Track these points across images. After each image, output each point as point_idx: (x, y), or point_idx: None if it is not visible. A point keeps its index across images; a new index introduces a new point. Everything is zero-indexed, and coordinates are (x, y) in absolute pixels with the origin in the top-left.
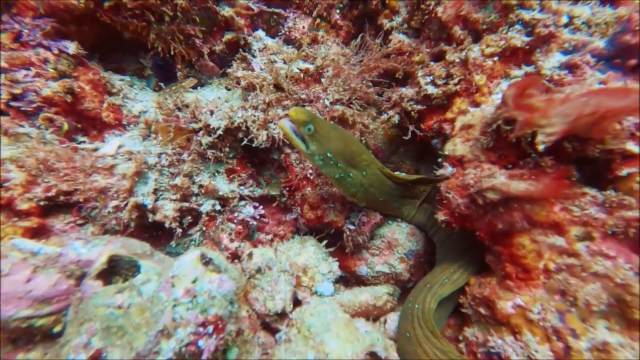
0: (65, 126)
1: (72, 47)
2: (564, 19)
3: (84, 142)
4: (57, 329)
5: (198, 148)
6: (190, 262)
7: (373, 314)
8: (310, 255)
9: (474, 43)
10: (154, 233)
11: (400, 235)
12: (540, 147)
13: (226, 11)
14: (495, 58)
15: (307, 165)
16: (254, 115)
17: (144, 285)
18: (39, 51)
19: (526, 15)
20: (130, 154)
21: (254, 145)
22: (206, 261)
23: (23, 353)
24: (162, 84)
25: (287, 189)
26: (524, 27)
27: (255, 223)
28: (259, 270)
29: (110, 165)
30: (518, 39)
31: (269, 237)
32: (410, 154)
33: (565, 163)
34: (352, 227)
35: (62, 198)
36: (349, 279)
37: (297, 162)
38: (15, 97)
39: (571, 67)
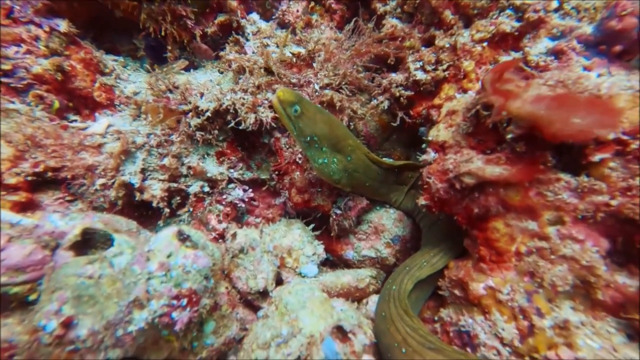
0: (56, 104)
1: (63, 25)
2: (554, 4)
3: (75, 120)
4: (32, 297)
5: (187, 129)
6: (166, 237)
7: (355, 296)
8: (295, 238)
9: (465, 28)
10: (144, 212)
11: (387, 221)
12: (508, 136)
13: None
14: (484, 44)
15: (296, 150)
16: (243, 98)
17: (115, 257)
18: (30, 28)
19: (517, 0)
20: (118, 134)
21: (241, 127)
22: (183, 238)
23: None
24: (155, 65)
25: (276, 172)
26: (514, 12)
27: (244, 206)
28: (242, 250)
29: (98, 143)
30: (507, 24)
31: (258, 220)
32: (402, 141)
33: (542, 149)
34: (338, 211)
35: (49, 174)
36: (336, 263)
37: (287, 146)
38: (5, 73)
39: (557, 53)
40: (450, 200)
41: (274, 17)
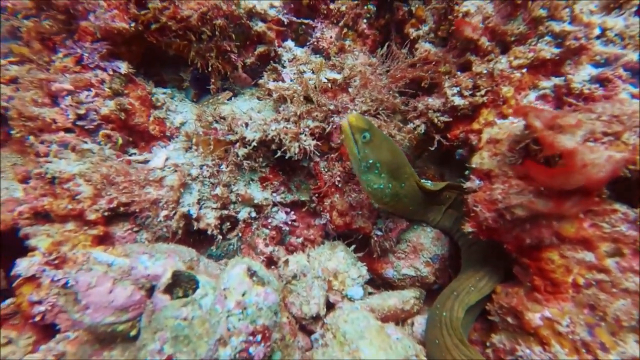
0: (120, 141)
1: (123, 67)
2: (596, 31)
3: (134, 153)
4: (133, 332)
5: (235, 159)
6: (238, 275)
7: (401, 317)
8: (340, 261)
9: (502, 54)
10: (197, 237)
11: (425, 240)
12: None
13: (259, 27)
14: (524, 70)
15: (335, 173)
16: (286, 127)
17: (202, 299)
18: (97, 73)
19: (556, 27)
20: (175, 167)
21: (287, 157)
22: (251, 273)
23: (107, 352)
24: (199, 95)
25: (316, 195)
26: (553, 38)
27: (287, 228)
28: (294, 277)
29: (160, 177)
30: (547, 50)
31: (300, 240)
32: (433, 159)
33: None
34: (379, 233)
35: (122, 209)
36: (376, 281)
37: (326, 170)
38: (79, 117)
39: (602, 81)
40: (499, 229)
41: (308, 43)
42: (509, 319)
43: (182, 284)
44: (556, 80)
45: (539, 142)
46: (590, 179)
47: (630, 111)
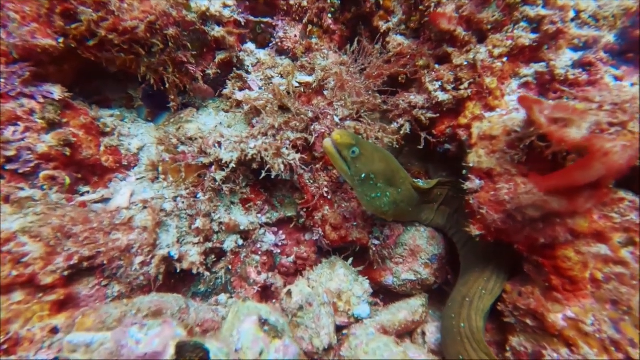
0: (68, 180)
1: (56, 91)
2: (571, 14)
3: (87, 192)
4: None
5: (212, 184)
6: (249, 331)
7: (411, 329)
8: (342, 279)
9: (479, 43)
10: (178, 276)
11: (421, 241)
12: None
13: (216, 31)
14: (504, 59)
15: (321, 184)
16: (265, 143)
17: None
18: (22, 102)
19: (531, 12)
20: (144, 203)
21: (273, 176)
22: (263, 322)
23: None
24: (154, 114)
25: (305, 209)
26: (529, 24)
27: (278, 251)
28: (300, 308)
29: (128, 218)
30: (525, 37)
31: (291, 259)
32: (416, 154)
33: None
34: (377, 242)
35: (85, 264)
36: (374, 289)
37: (312, 181)
38: (8, 160)
39: (585, 65)
40: (508, 230)
41: (271, 44)
42: (528, 321)
43: (187, 354)
44: (537, 67)
45: (546, 139)
46: (611, 167)
47: (629, 97)
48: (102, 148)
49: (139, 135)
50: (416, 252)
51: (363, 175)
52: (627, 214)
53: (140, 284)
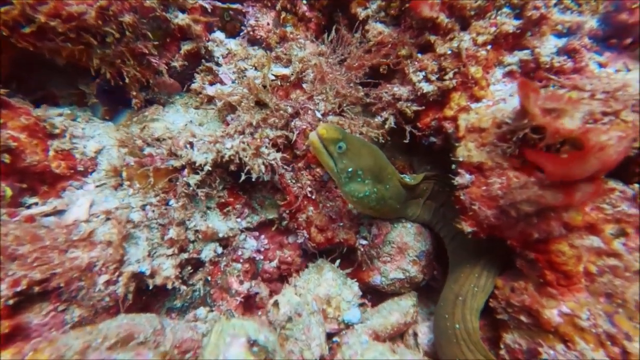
0: (9, 192)
1: None
2: None
3: (35, 204)
4: None
5: (186, 190)
6: (238, 356)
7: (403, 331)
8: (330, 284)
9: (462, 31)
10: (149, 292)
11: (408, 238)
12: (564, 157)
13: (180, 19)
14: (489, 47)
15: (304, 184)
16: (243, 143)
17: None
18: None
19: None
20: (107, 214)
21: (253, 179)
22: (251, 344)
23: None
24: (112, 112)
25: (288, 211)
26: (512, 9)
27: (261, 257)
28: (289, 320)
29: (88, 232)
30: (509, 23)
31: (274, 264)
32: (399, 147)
33: None
34: (364, 242)
35: (36, 289)
36: (362, 289)
37: (294, 181)
38: None
39: (570, 52)
40: (501, 226)
41: (242, 33)
42: (522, 318)
43: None
44: (521, 55)
45: (540, 130)
46: (605, 162)
47: (620, 85)
48: (52, 153)
49: (95, 137)
50: (404, 249)
51: (350, 171)
52: (617, 204)
53: (105, 306)
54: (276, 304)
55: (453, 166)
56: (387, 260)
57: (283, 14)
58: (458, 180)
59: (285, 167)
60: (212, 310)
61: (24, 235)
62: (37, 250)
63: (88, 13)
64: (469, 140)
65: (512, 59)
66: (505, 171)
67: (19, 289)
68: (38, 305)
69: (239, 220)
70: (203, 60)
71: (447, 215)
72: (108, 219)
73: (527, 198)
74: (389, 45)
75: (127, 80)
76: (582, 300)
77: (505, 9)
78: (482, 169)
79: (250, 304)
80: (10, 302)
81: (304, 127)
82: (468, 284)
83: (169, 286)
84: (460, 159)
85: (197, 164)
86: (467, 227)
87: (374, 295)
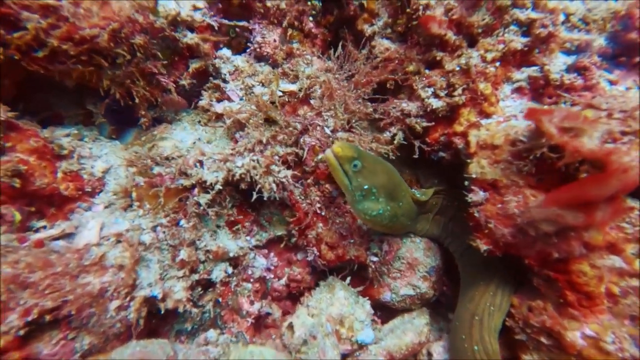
0: (18, 216)
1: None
2: (561, 17)
3: (43, 227)
4: None
5: (196, 209)
6: None
7: (417, 351)
8: (342, 303)
9: (469, 48)
10: (158, 315)
11: (418, 253)
12: (583, 176)
13: (190, 38)
14: (497, 63)
15: (313, 200)
16: (254, 160)
17: None
18: None
19: (521, 15)
20: (118, 237)
21: (265, 197)
22: None
23: None
24: (119, 131)
25: (297, 228)
26: (519, 27)
27: (271, 275)
28: (304, 343)
29: (100, 256)
30: (517, 41)
31: (283, 281)
32: (405, 161)
33: None
34: (375, 258)
35: (47, 317)
36: (372, 306)
37: (303, 197)
38: None
39: (580, 70)
40: (518, 245)
41: (248, 49)
42: (542, 339)
43: None
44: (530, 71)
45: (558, 149)
46: (627, 184)
47: (637, 104)
48: (60, 174)
49: (102, 156)
50: (414, 265)
51: (364, 189)
52: (637, 223)
53: (117, 332)
54: (291, 327)
55: (466, 182)
56: (397, 276)
57: (290, 31)
58: (472, 197)
59: (295, 184)
60: (222, 333)
61: (35, 262)
62: (48, 277)
63: (101, 36)
64: (482, 157)
65: (521, 75)
66: (522, 189)
67: (29, 318)
68: (48, 333)
69: (248, 238)
70: (210, 78)
71: (456, 230)
72: (119, 241)
73: (547, 217)
74: (396, 61)
75: (136, 100)
76: (606, 322)
77: (512, 27)
78: (497, 187)
79: (259, 324)
80: (21, 332)
81: (313, 143)
82: (484, 302)
83: (181, 310)
84: (474, 176)
85: (207, 183)
86: (482, 245)
87: (383, 311)
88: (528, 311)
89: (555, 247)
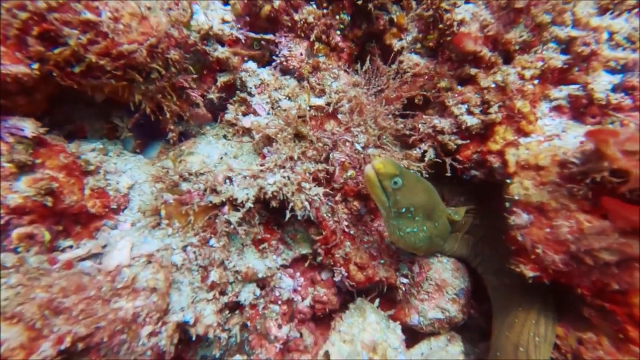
0: (47, 236)
1: (29, 126)
2: (605, 36)
3: (70, 247)
4: None
5: (226, 228)
6: None
7: None
8: (374, 328)
9: (504, 65)
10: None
11: (446, 274)
12: None
13: (220, 52)
14: (536, 81)
15: (340, 217)
16: (284, 177)
17: None
18: None
19: (561, 32)
20: (149, 257)
21: (299, 216)
22: None
23: None
24: (143, 145)
25: (323, 247)
26: (557, 44)
27: (299, 297)
28: None
29: (132, 279)
30: (557, 58)
31: (307, 302)
32: (430, 178)
33: None
34: (405, 280)
35: (80, 345)
36: None
37: (329, 215)
38: None
39: (627, 90)
40: (570, 273)
41: (273, 62)
42: None
43: None
44: (570, 90)
45: (621, 174)
46: None
47: None
48: (87, 191)
49: (127, 171)
50: (442, 286)
51: (403, 209)
52: None
53: (145, 358)
54: (327, 355)
55: (506, 204)
56: (424, 298)
57: (316, 44)
58: (514, 220)
59: (328, 202)
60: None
61: (69, 286)
62: (82, 302)
63: (139, 52)
64: (524, 178)
65: (560, 93)
66: (573, 214)
67: (63, 346)
68: None
69: (274, 257)
70: (237, 91)
71: (485, 250)
72: (149, 262)
73: (608, 246)
74: (426, 77)
75: (167, 115)
76: None
77: (551, 44)
78: (544, 210)
79: (285, 349)
80: None
81: (343, 159)
82: (526, 332)
83: (211, 335)
84: (516, 198)
85: (238, 201)
86: (528, 272)
87: (406, 334)
88: (578, 344)
89: (615, 278)
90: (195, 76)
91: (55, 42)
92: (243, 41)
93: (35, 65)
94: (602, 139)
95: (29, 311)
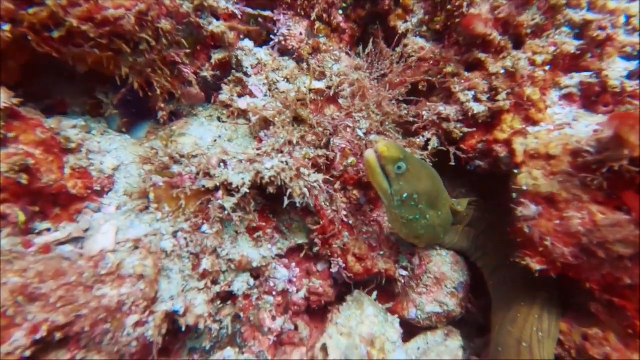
0: (22, 217)
1: (0, 96)
2: (622, 20)
3: (48, 230)
4: None
5: (220, 214)
6: None
7: None
8: (372, 321)
9: (514, 49)
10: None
11: (445, 267)
12: None
13: (215, 26)
14: (547, 67)
15: (339, 207)
16: (283, 163)
17: None
18: None
19: (575, 16)
20: (136, 242)
21: (297, 204)
22: None
23: None
24: (129, 124)
25: (320, 237)
26: (571, 29)
27: (294, 288)
28: None
29: (117, 265)
30: (570, 44)
31: (302, 294)
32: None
33: None
34: (404, 272)
35: (58, 334)
36: None
37: (327, 203)
38: None
39: None
40: (580, 266)
41: (271, 42)
42: None
43: None
44: (582, 77)
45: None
46: None
47: None
48: (68, 170)
49: (112, 152)
50: (441, 280)
51: (405, 196)
52: None
53: (132, 352)
54: (324, 348)
55: (513, 195)
56: (422, 292)
57: (317, 24)
58: (522, 211)
59: (328, 189)
60: (242, 352)
61: (46, 270)
62: (61, 288)
63: (126, 18)
64: (534, 168)
65: (571, 81)
66: (586, 205)
67: (38, 336)
68: (53, 353)
69: (270, 246)
70: (233, 71)
71: (487, 243)
72: (136, 247)
73: (624, 239)
74: (431, 62)
75: (157, 91)
76: None
77: (564, 29)
78: (554, 201)
79: (279, 341)
80: (28, 353)
81: (344, 146)
82: (529, 327)
83: (201, 326)
84: (525, 188)
85: (233, 185)
86: (534, 265)
87: (403, 328)
88: (583, 340)
89: (629, 273)
90: (188, 51)
91: (30, 1)
92: (239, 17)
93: (7, 27)
94: (628, 124)
95: (3, 297)
